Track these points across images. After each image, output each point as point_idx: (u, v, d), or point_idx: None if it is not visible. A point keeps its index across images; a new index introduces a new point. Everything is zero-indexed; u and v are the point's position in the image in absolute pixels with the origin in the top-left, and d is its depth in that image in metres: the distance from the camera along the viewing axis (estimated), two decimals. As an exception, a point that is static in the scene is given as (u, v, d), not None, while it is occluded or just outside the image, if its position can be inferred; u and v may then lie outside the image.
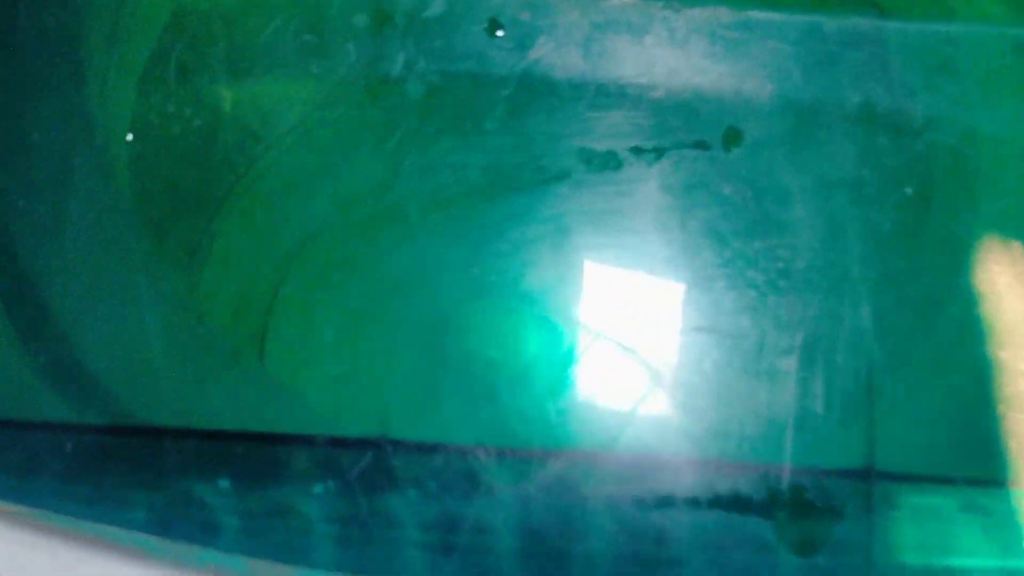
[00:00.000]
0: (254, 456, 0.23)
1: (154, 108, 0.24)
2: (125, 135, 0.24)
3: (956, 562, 0.23)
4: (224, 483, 0.23)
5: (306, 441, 0.23)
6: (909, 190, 0.25)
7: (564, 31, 0.25)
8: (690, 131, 0.25)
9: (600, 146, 0.25)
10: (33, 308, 0.23)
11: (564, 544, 0.23)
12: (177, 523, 0.23)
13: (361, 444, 0.23)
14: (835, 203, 0.25)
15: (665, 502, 0.23)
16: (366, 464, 0.23)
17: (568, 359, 0.23)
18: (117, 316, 0.23)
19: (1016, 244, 0.24)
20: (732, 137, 0.25)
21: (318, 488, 0.23)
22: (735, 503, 0.23)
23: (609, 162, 0.25)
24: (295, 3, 0.25)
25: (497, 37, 0.25)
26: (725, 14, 0.26)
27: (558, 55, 0.25)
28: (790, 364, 0.24)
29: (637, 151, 0.25)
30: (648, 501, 0.23)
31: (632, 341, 0.24)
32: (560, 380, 0.23)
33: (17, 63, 0.24)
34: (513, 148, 0.25)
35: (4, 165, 0.24)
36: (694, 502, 0.23)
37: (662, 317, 0.24)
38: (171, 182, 0.24)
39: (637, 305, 0.24)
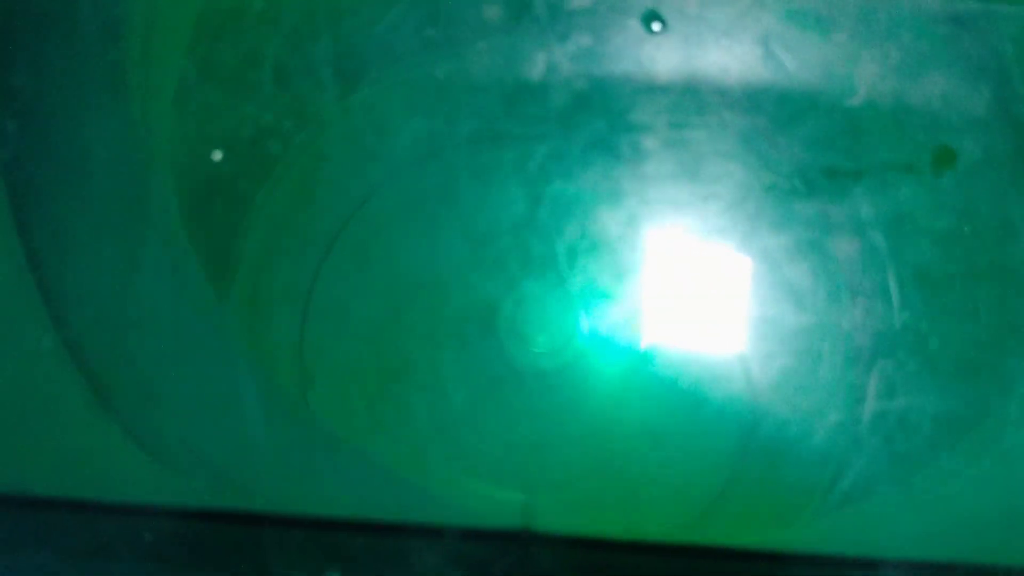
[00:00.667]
0: (372, 549, 0.19)
1: (247, 119, 0.20)
2: (209, 152, 0.20)
3: None
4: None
5: (434, 533, 0.19)
6: None
7: (739, 27, 0.21)
8: (894, 149, 0.21)
9: (785, 167, 0.20)
10: (127, 383, 0.19)
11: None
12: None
13: (501, 538, 0.19)
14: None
15: None
16: (509, 561, 0.19)
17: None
18: (214, 391, 0.19)
19: None
20: (943, 157, 0.21)
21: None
22: None
23: (796, 186, 0.20)
24: None
25: (655, 32, 0.21)
26: (934, 5, 0.21)
27: (732, 56, 0.21)
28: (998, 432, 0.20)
29: (830, 172, 0.20)
30: None
31: (820, 397, 0.19)
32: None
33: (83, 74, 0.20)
34: (676, 173, 0.20)
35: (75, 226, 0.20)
36: None
37: (857, 376, 0.20)
38: (274, 220, 0.20)
39: (837, 355, 0.20)
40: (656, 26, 0.21)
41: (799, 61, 0.21)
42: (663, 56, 0.21)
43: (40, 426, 0.20)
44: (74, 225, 0.21)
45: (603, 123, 0.21)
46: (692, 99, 0.21)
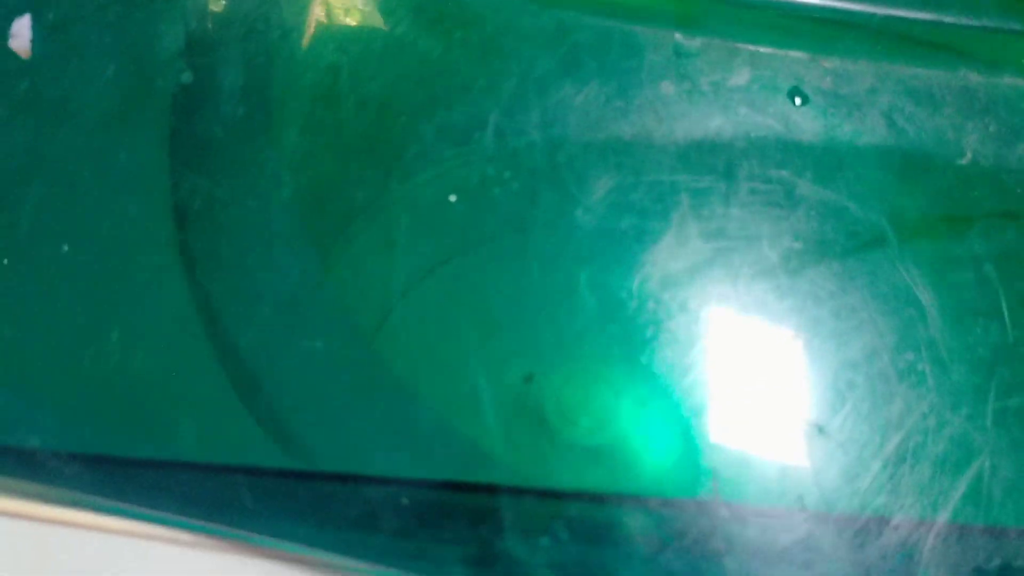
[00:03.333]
0: (585, 516, 0.23)
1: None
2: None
3: None
4: (545, 541, 0.23)
5: (638, 502, 0.23)
6: None
7: (868, 98, 0.26)
8: (999, 199, 0.25)
9: (910, 213, 0.25)
10: (372, 364, 0.24)
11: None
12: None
13: (695, 507, 0.23)
14: None
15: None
16: (700, 527, 0.23)
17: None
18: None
19: None
20: (1039, 207, 0.25)
21: (641, 549, 0.23)
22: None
23: (920, 229, 0.25)
24: (605, 71, 0.26)
25: (798, 106, 0.26)
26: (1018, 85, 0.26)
27: (864, 122, 0.26)
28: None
29: (948, 218, 0.25)
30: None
31: (950, 406, 0.24)
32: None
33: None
34: (823, 214, 0.25)
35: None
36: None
37: (981, 384, 0.24)
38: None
39: (959, 368, 0.24)
40: (798, 100, 0.26)
41: (917, 128, 0.26)
42: (807, 125, 0.26)
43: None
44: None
45: (758, 176, 0.26)
46: (833, 155, 0.26)
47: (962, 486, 0.23)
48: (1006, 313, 0.24)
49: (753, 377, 0.24)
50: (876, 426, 0.23)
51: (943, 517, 0.23)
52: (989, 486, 0.23)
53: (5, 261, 0.24)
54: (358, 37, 0.26)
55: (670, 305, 0.24)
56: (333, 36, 0.26)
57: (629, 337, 0.24)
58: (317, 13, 0.26)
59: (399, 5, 0.26)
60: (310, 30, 0.26)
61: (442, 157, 0.25)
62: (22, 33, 0.24)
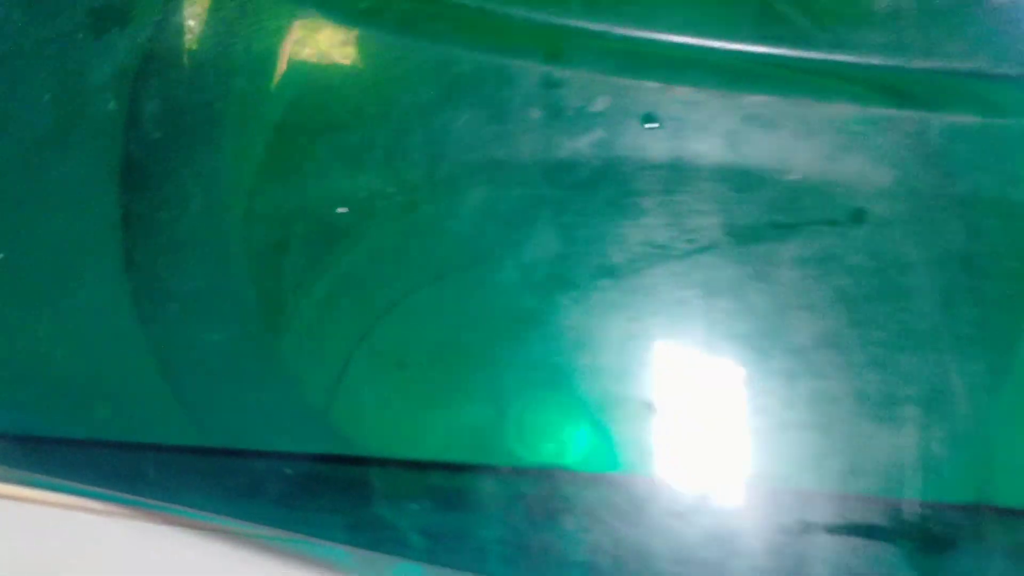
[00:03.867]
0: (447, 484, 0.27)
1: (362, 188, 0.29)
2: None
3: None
4: (414, 507, 0.27)
5: (492, 471, 0.26)
6: (1013, 263, 0.28)
7: (710, 124, 0.30)
8: (821, 210, 0.29)
9: (742, 221, 0.29)
10: (264, 349, 0.28)
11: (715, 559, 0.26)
12: (372, 542, 0.27)
13: (538, 474, 0.26)
14: (949, 273, 0.28)
15: (803, 529, 0.26)
16: (543, 492, 0.26)
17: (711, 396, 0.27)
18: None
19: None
20: (858, 215, 0.29)
21: (495, 512, 0.27)
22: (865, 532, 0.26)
23: (750, 235, 0.29)
24: (482, 100, 0.30)
25: (652, 130, 0.30)
26: (850, 111, 0.30)
27: (706, 144, 0.30)
28: (912, 411, 0.27)
29: (775, 226, 0.29)
30: (790, 528, 0.26)
31: (773, 388, 0.27)
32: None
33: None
34: (667, 223, 0.29)
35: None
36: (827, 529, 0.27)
37: (799, 366, 0.28)
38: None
39: (781, 353, 0.28)
40: (651, 124, 0.30)
41: (754, 150, 0.30)
42: (658, 146, 0.30)
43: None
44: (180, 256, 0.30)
45: (613, 190, 0.29)
46: (678, 173, 0.29)
47: (768, 454, 0.26)
48: (824, 307, 0.28)
49: (596, 362, 0.28)
50: (702, 403, 0.27)
51: (758, 478, 0.26)
52: (798, 455, 0.27)
53: None
54: (265, 68, 0.30)
55: (527, 301, 0.28)
56: (243, 67, 0.30)
57: (492, 335, 0.28)
58: (229, 46, 0.30)
59: (304, 40, 0.30)
60: (224, 62, 0.30)
61: (335, 174, 0.29)
62: None
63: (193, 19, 0.29)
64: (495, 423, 0.27)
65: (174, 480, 0.26)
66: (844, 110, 0.30)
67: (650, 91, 0.30)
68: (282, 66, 0.29)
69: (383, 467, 0.26)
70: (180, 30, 0.29)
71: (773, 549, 0.26)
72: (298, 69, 0.29)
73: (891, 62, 0.30)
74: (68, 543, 0.26)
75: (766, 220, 0.29)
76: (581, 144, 0.30)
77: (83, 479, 0.26)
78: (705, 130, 0.30)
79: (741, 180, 0.29)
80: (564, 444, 0.27)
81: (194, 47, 0.29)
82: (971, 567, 0.27)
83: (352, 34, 0.30)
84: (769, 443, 0.27)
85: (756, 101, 0.30)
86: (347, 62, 0.30)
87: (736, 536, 0.27)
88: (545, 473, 0.26)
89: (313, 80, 0.29)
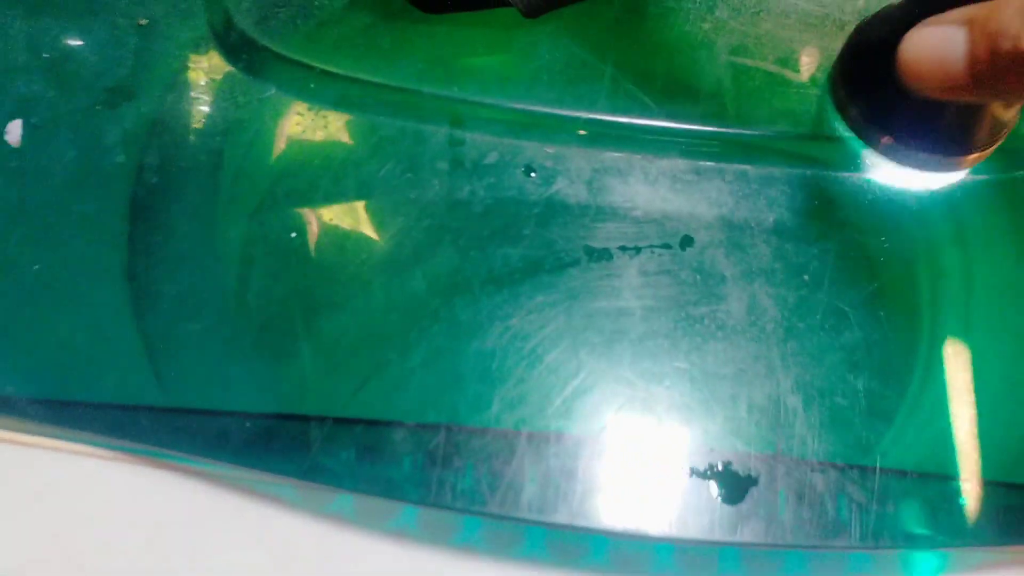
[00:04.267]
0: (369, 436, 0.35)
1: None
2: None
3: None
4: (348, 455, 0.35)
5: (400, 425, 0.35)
6: (806, 277, 0.38)
7: (575, 173, 0.39)
8: (659, 237, 0.39)
9: (598, 245, 0.38)
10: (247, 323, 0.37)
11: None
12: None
13: (435, 427, 0.35)
14: (757, 284, 0.38)
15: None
16: (440, 442, 0.35)
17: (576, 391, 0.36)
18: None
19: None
20: (687, 241, 0.38)
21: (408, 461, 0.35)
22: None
23: (604, 256, 0.38)
24: (401, 155, 0.39)
25: (530, 177, 0.39)
26: (682, 164, 0.40)
27: (572, 188, 0.39)
28: (724, 385, 0.36)
29: (623, 248, 0.38)
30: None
31: (619, 368, 0.36)
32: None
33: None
34: (541, 246, 0.38)
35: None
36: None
37: (639, 351, 0.37)
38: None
39: (625, 341, 0.37)
40: (532, 174, 0.40)
41: (608, 192, 0.39)
42: (534, 190, 0.39)
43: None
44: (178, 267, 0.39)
45: (500, 222, 0.39)
46: (550, 209, 0.39)
47: (612, 415, 0.35)
48: (658, 308, 0.37)
49: (482, 347, 0.37)
50: (560, 372, 0.36)
51: (597, 434, 0.35)
52: (638, 414, 0.35)
53: None
54: (239, 133, 0.39)
55: (432, 302, 0.37)
56: (223, 130, 0.40)
57: (406, 326, 0.37)
58: (212, 115, 0.39)
59: (271, 115, 0.40)
60: (209, 127, 0.39)
61: (287, 211, 0.38)
62: (14, 131, 0.38)
63: (187, 97, 0.39)
64: (406, 387, 0.36)
65: (166, 433, 0.35)
66: (677, 163, 0.40)
67: (529, 148, 0.40)
68: (252, 133, 0.39)
69: (320, 423, 0.35)
70: (178, 104, 0.39)
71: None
72: (263, 133, 0.39)
73: (712, 128, 0.40)
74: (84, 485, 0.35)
75: (617, 244, 0.38)
76: (476, 187, 0.39)
77: (97, 431, 0.35)
78: (571, 178, 0.39)
79: (597, 214, 0.39)
80: (456, 405, 0.36)
81: (187, 117, 0.39)
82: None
83: (304, 108, 0.40)
84: (612, 406, 0.36)
85: (610, 156, 0.40)
86: (298, 129, 0.40)
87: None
88: (443, 426, 0.35)
89: (271, 142, 0.39)
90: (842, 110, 0.39)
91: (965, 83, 0.28)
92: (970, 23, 0.27)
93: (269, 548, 0.35)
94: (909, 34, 0.30)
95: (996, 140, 0.38)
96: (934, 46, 0.28)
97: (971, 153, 0.38)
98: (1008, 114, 0.37)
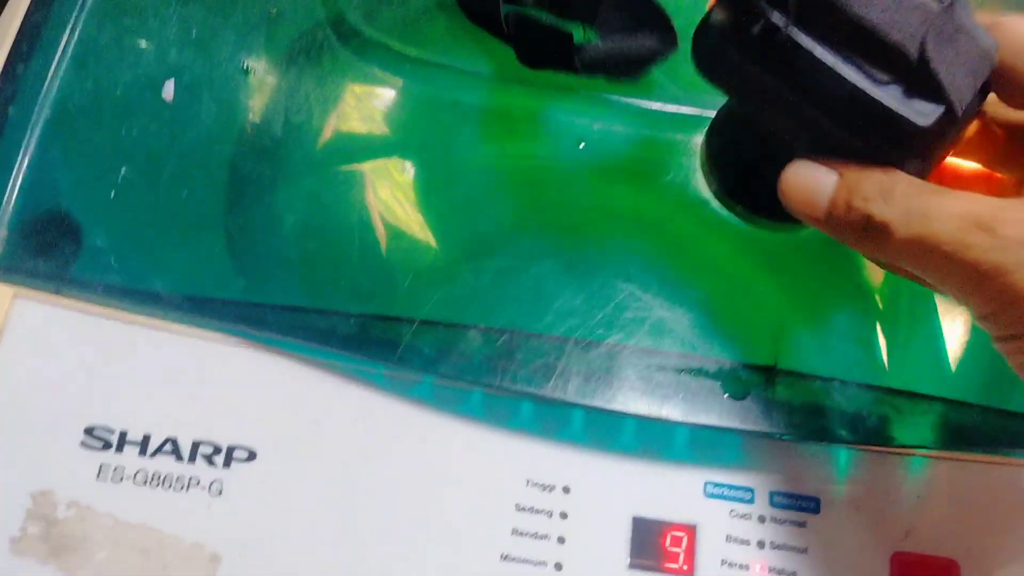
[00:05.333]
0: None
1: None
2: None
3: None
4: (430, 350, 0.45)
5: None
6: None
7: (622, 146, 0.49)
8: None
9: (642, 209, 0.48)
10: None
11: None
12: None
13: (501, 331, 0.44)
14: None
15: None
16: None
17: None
18: None
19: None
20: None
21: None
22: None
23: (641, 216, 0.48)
24: (488, 128, 0.49)
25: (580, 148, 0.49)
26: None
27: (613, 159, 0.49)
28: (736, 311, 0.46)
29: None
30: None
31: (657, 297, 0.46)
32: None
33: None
34: (592, 197, 0.48)
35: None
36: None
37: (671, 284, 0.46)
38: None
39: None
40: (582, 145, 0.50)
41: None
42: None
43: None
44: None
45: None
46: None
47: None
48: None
49: (542, 272, 0.46)
50: (602, 298, 0.45)
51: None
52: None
53: (124, 172, 0.46)
54: (342, 97, 0.49)
55: (495, 240, 0.46)
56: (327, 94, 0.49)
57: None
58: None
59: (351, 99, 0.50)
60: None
61: (392, 163, 0.48)
62: (169, 88, 0.48)
63: (307, 71, 0.49)
64: (478, 298, 0.45)
65: (285, 326, 0.44)
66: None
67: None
68: (356, 102, 0.49)
69: (409, 323, 0.44)
70: (299, 77, 0.49)
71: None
72: (365, 102, 0.49)
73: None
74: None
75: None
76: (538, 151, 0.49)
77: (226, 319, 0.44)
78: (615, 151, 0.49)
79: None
80: (517, 314, 0.45)
81: (306, 87, 0.49)
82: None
83: (401, 85, 0.50)
84: (644, 323, 0.45)
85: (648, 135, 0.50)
86: (399, 103, 0.50)
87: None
88: (508, 330, 0.44)
89: (375, 110, 0.49)
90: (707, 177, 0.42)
91: (822, 221, 0.32)
92: (841, 178, 0.31)
93: (362, 423, 0.44)
94: (793, 163, 0.32)
95: None
96: (808, 179, 0.31)
97: None
98: None
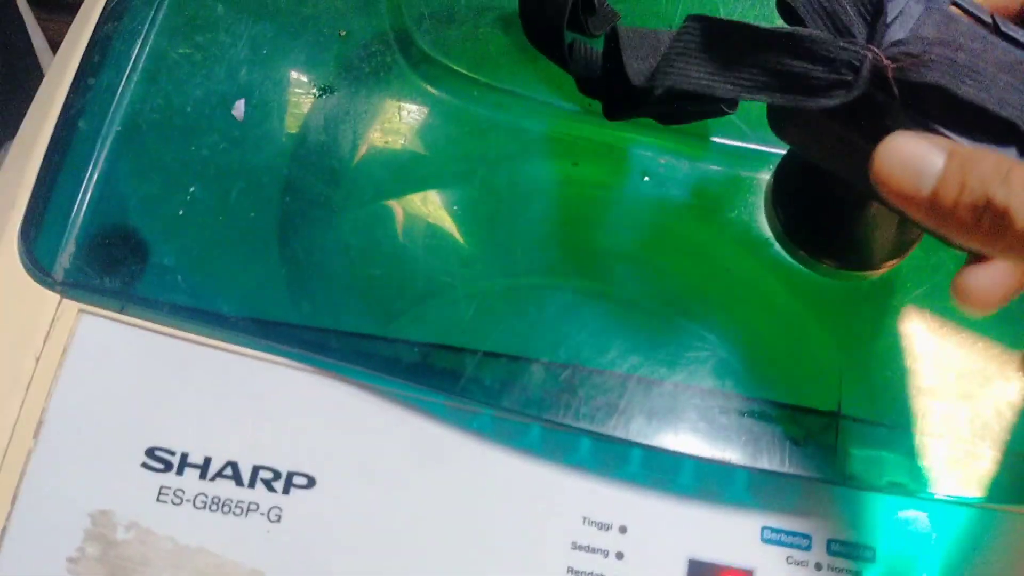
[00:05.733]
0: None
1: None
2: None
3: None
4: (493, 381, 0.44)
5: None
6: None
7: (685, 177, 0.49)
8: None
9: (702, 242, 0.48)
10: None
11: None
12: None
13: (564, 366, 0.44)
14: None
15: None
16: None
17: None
18: None
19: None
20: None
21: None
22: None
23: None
24: (543, 156, 0.49)
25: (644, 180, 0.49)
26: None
27: (676, 191, 0.49)
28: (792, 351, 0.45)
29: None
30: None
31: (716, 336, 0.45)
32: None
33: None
34: (650, 231, 0.48)
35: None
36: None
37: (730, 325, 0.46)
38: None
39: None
40: (646, 178, 0.49)
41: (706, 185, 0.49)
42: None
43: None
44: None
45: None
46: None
47: None
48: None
49: (607, 309, 0.46)
50: (663, 338, 0.45)
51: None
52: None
53: (193, 191, 0.46)
54: (412, 118, 0.49)
55: (558, 272, 0.46)
56: (395, 115, 0.49)
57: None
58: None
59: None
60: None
61: (452, 188, 0.48)
62: (240, 108, 0.48)
63: (375, 92, 0.49)
64: (541, 333, 0.45)
65: (349, 353, 0.44)
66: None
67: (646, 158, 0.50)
68: (426, 125, 0.49)
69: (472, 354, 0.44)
70: (368, 98, 0.49)
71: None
72: (435, 127, 0.49)
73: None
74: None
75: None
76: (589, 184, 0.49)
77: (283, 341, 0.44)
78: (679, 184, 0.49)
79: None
80: (581, 349, 0.45)
81: (374, 107, 0.49)
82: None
83: (466, 110, 0.50)
84: (706, 364, 0.45)
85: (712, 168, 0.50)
86: (461, 126, 0.49)
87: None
88: (571, 365, 0.44)
89: (443, 133, 0.49)
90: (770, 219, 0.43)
91: (924, 204, 0.27)
92: (951, 155, 0.27)
93: (421, 453, 0.44)
94: (894, 135, 0.28)
95: (902, 256, 0.41)
96: (912, 153, 0.27)
97: (877, 268, 0.42)
98: (913, 234, 0.40)
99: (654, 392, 0.44)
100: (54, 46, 1.00)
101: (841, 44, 0.30)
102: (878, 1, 0.29)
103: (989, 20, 0.30)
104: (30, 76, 0.93)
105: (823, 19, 0.30)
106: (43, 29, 1.01)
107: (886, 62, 0.29)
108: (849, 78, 0.29)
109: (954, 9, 0.31)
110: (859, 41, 0.30)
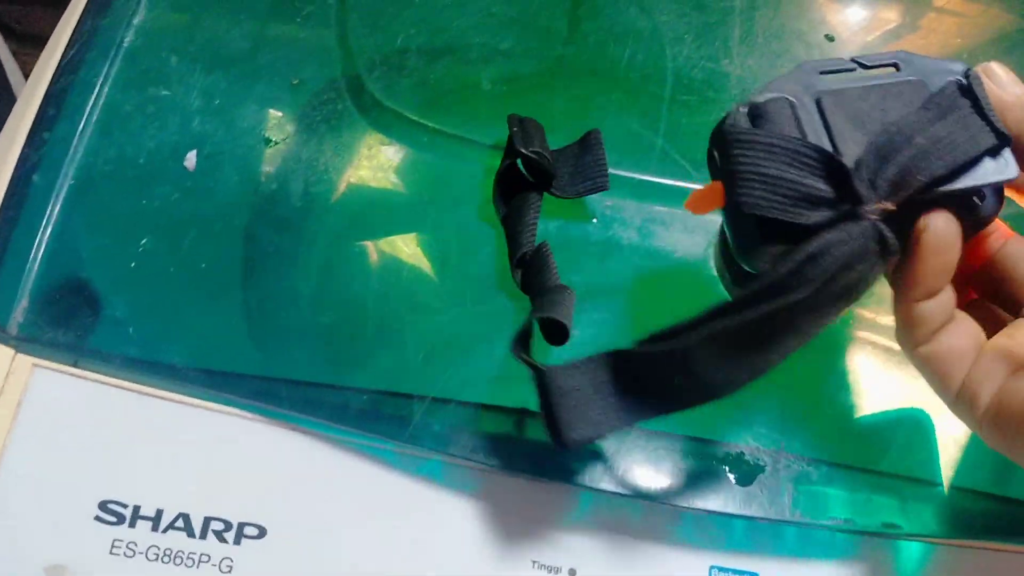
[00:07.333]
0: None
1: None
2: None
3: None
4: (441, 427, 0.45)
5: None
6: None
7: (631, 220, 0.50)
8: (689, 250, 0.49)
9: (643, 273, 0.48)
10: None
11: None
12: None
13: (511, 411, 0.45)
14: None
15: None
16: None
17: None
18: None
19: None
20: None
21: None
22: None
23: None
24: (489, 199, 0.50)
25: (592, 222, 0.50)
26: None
27: (625, 232, 0.49)
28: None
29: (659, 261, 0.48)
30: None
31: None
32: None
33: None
34: (599, 274, 0.48)
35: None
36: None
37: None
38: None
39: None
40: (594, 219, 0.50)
41: (652, 238, 0.49)
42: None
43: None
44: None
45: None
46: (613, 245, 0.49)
47: None
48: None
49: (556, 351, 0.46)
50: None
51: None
52: None
53: (144, 242, 0.47)
54: (361, 164, 0.50)
55: (502, 319, 0.47)
56: (346, 162, 0.50)
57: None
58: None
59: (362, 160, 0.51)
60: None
61: (402, 232, 0.49)
62: (191, 158, 0.49)
63: (326, 141, 0.50)
64: (488, 378, 0.45)
65: (297, 401, 0.44)
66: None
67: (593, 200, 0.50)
68: (375, 168, 0.50)
69: (420, 400, 0.45)
70: (319, 145, 0.50)
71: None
72: (385, 170, 0.50)
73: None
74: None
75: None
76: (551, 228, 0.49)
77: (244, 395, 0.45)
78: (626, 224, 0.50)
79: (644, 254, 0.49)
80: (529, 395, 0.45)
81: (325, 155, 0.50)
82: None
83: (416, 156, 0.51)
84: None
85: (657, 209, 0.50)
86: (414, 171, 0.50)
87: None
88: (518, 410, 0.45)
89: (393, 177, 0.49)
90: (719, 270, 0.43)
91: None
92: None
93: (371, 501, 0.44)
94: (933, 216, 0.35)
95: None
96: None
97: None
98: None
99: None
100: (29, 80, 1.00)
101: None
102: (826, 156, 0.33)
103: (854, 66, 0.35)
104: (5, 110, 0.94)
105: (796, 203, 0.34)
106: (19, 64, 1.02)
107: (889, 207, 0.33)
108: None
109: (827, 77, 0.35)
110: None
